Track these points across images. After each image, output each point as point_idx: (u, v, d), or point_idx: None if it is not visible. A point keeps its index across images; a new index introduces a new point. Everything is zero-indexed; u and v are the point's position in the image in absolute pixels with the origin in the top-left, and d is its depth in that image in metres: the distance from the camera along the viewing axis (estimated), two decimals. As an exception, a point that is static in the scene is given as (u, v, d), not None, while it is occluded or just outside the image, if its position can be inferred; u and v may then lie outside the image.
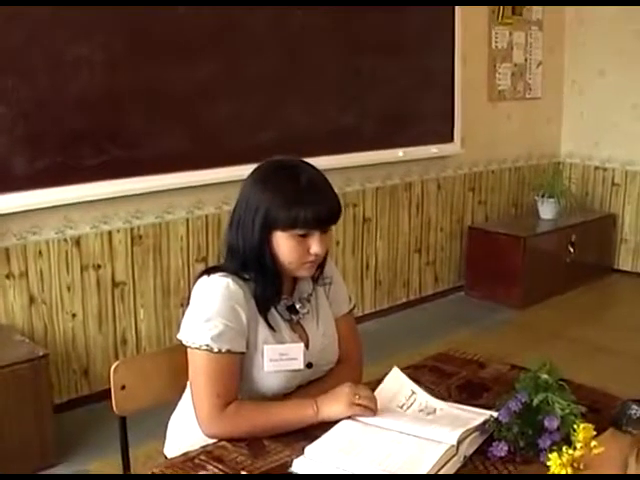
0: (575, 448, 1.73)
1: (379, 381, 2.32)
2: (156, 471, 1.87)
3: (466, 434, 1.87)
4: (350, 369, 2.31)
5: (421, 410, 2.03)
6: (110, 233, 4.28)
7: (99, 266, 4.26)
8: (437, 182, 6.12)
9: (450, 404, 2.10)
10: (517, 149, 6.79)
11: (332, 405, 2.01)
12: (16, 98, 3.78)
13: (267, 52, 4.73)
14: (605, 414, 2.04)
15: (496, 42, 6.34)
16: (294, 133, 4.85)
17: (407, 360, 2.67)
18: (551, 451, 1.74)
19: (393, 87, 5.48)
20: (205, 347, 2.03)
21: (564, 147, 7.24)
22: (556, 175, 6.80)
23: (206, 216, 4.68)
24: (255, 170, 2.17)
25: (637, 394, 2.09)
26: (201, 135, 4.50)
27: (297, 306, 2.22)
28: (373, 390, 2.09)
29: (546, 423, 1.84)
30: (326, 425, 1.96)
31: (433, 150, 5.89)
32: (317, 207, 2.05)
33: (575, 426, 1.78)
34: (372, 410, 2.00)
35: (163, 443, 2.37)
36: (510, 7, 6.34)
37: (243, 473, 1.82)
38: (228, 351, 2.04)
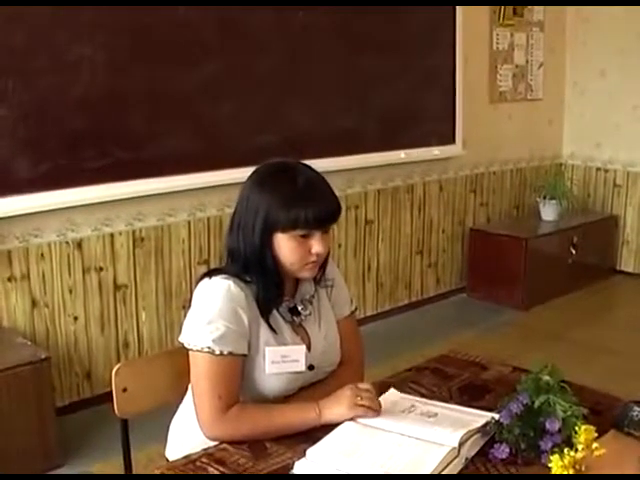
0: (576, 450, 1.72)
1: (382, 383, 2.33)
2: (157, 473, 1.88)
3: (467, 436, 1.88)
4: (352, 371, 2.31)
5: (422, 413, 2.03)
6: (112, 236, 4.29)
7: (101, 269, 4.26)
8: (439, 184, 6.12)
9: (451, 406, 2.10)
10: (519, 150, 6.78)
11: (334, 408, 2.01)
12: (18, 100, 3.78)
13: (269, 53, 4.73)
14: (607, 416, 2.03)
15: (497, 43, 6.34)
16: (296, 135, 4.85)
17: (409, 362, 2.67)
18: (552, 453, 1.74)
19: (394, 89, 5.48)
20: (207, 350, 2.03)
21: (566, 148, 7.24)
22: (558, 176, 6.80)
23: (208, 218, 4.68)
24: (253, 173, 2.17)
25: (639, 395, 2.09)
26: (203, 137, 4.50)
27: (299, 308, 2.22)
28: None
29: (547, 425, 1.84)
30: (328, 427, 1.96)
31: (435, 152, 5.89)
32: (317, 207, 2.05)
33: (577, 428, 1.78)
34: (375, 410, 2.00)
35: (165, 446, 2.37)
36: (511, 8, 6.34)
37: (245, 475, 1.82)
38: (230, 353, 2.05)
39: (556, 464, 1.70)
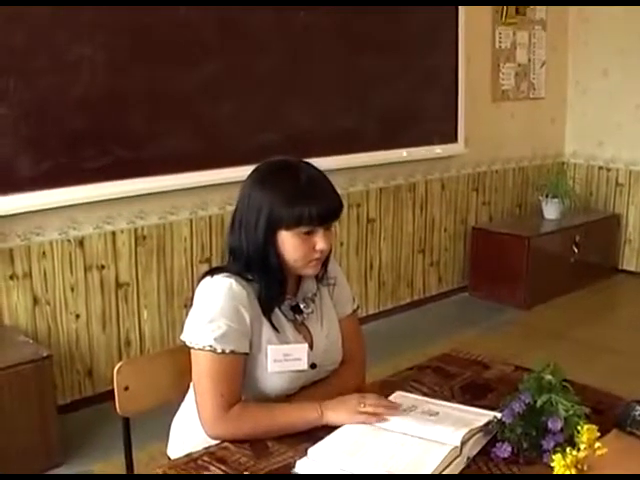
0: (579, 449, 1.72)
1: (384, 382, 2.33)
2: (159, 472, 1.87)
3: (470, 435, 1.87)
4: (354, 370, 2.32)
5: (424, 412, 2.02)
6: (114, 234, 4.29)
7: (103, 267, 4.26)
8: (441, 182, 6.12)
9: (453, 405, 2.10)
10: (521, 149, 6.78)
11: (337, 410, 2.02)
12: (19, 99, 3.78)
13: (270, 52, 4.73)
14: (609, 415, 2.03)
15: (500, 42, 6.34)
16: (297, 133, 4.85)
17: (411, 361, 2.66)
18: (555, 452, 1.74)
19: (396, 87, 5.48)
20: (209, 348, 2.03)
21: (568, 147, 7.23)
22: (560, 175, 6.80)
23: (210, 217, 4.68)
24: (254, 172, 2.17)
25: (641, 395, 2.09)
26: (204, 136, 4.50)
27: (301, 306, 2.22)
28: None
29: (550, 424, 1.83)
30: (329, 427, 1.96)
31: (437, 150, 5.89)
32: (320, 204, 2.06)
33: (579, 427, 1.78)
34: (377, 416, 1.99)
35: (166, 444, 2.37)
36: (514, 7, 6.34)
37: (246, 474, 1.82)
38: (232, 352, 2.04)
39: (558, 463, 1.70)
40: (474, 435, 1.89)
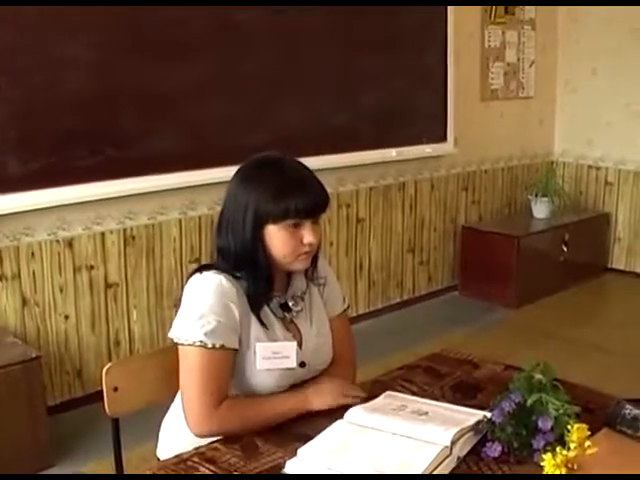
0: (569, 448, 1.72)
1: (374, 382, 2.33)
2: (148, 473, 1.87)
3: (460, 434, 1.87)
4: (344, 369, 2.32)
5: (414, 411, 2.02)
6: (103, 234, 4.27)
7: (92, 267, 4.25)
8: (430, 182, 6.12)
9: (443, 404, 2.10)
10: (510, 148, 6.79)
11: (321, 395, 2.10)
12: (7, 98, 3.77)
13: (260, 52, 4.71)
14: (599, 414, 2.03)
15: (489, 41, 6.35)
16: (287, 133, 4.84)
17: (401, 360, 2.66)
18: (545, 452, 1.74)
19: (386, 87, 5.48)
20: (199, 343, 2.03)
21: (557, 146, 7.25)
22: (549, 174, 6.81)
23: (199, 217, 4.67)
24: (238, 170, 2.18)
25: (631, 393, 2.09)
26: (194, 135, 4.49)
27: (290, 304, 2.22)
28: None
29: (540, 423, 1.83)
30: (319, 426, 1.96)
31: (426, 150, 5.89)
32: (306, 196, 2.07)
33: (569, 426, 1.78)
34: (361, 397, 2.10)
35: (156, 445, 2.36)
36: (503, 7, 6.35)
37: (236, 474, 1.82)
38: (222, 347, 2.04)
39: (548, 463, 1.70)
40: (464, 435, 1.89)
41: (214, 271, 2.11)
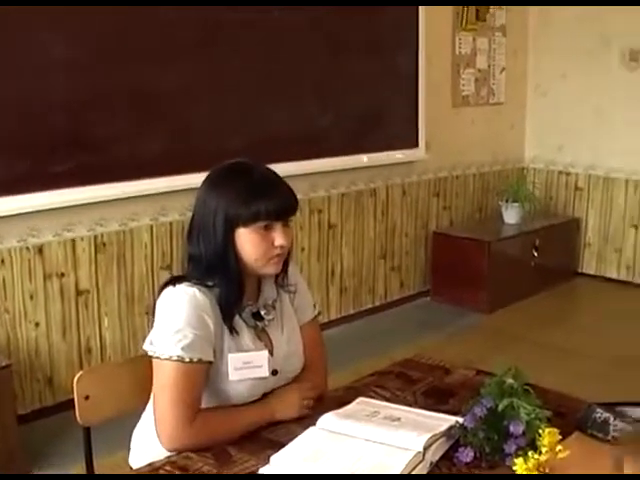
0: (540, 452, 1.73)
1: (347, 388, 2.33)
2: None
3: (432, 440, 1.88)
4: (315, 376, 2.31)
5: (387, 417, 2.02)
6: (74, 241, 4.25)
7: (62, 274, 4.22)
8: (402, 188, 6.13)
9: (416, 410, 2.10)
10: (481, 155, 6.82)
11: (283, 410, 2.13)
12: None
13: (234, 59, 4.70)
14: (570, 418, 2.05)
15: (460, 48, 6.38)
16: (258, 139, 4.82)
17: (373, 366, 2.66)
18: (517, 456, 1.74)
19: (357, 92, 5.48)
20: (176, 358, 2.01)
21: (528, 152, 7.29)
22: (520, 180, 6.85)
23: (170, 223, 4.65)
24: (206, 178, 2.18)
25: (602, 397, 2.10)
26: (164, 141, 4.46)
27: (262, 312, 2.21)
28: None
29: (511, 428, 1.84)
30: (291, 433, 1.96)
31: (398, 156, 5.90)
32: (276, 198, 2.09)
33: (540, 431, 1.79)
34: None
35: (128, 453, 2.34)
36: (474, 13, 6.38)
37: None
38: (199, 360, 2.03)
39: (520, 467, 1.70)
40: (437, 440, 1.90)
41: (187, 283, 2.09)
